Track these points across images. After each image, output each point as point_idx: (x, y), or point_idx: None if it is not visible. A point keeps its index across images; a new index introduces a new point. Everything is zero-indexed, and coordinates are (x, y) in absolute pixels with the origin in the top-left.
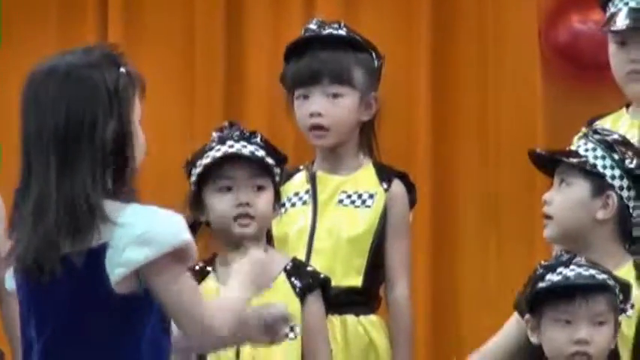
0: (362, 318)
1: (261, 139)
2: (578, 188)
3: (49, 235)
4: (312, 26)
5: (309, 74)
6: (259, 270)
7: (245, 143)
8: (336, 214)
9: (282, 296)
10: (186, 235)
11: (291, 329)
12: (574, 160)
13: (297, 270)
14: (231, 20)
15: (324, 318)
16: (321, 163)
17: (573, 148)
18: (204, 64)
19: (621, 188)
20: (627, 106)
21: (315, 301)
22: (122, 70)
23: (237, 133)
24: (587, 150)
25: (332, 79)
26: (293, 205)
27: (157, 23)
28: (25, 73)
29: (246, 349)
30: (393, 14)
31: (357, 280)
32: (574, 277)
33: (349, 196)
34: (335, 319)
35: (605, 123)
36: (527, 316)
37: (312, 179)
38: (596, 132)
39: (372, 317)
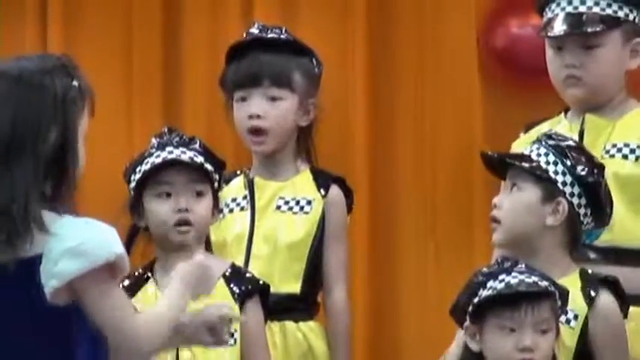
0: (301, 324)
1: (200, 145)
2: (529, 193)
3: None
4: (254, 30)
5: (249, 76)
6: (200, 274)
7: (184, 149)
8: (274, 220)
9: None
10: (119, 249)
11: (231, 335)
12: (525, 165)
13: (235, 275)
14: (169, 24)
15: (263, 324)
16: (259, 168)
17: (526, 152)
18: (142, 69)
19: (572, 195)
20: (565, 111)
21: (254, 307)
22: (74, 82)
23: (177, 138)
24: (539, 155)
25: (272, 81)
26: (231, 210)
27: (96, 25)
28: None
29: (185, 354)
30: (331, 18)
31: (295, 287)
32: (518, 284)
33: (287, 202)
34: (274, 326)
35: (542, 128)
36: (466, 323)
37: (250, 185)
38: (550, 137)
39: (311, 323)
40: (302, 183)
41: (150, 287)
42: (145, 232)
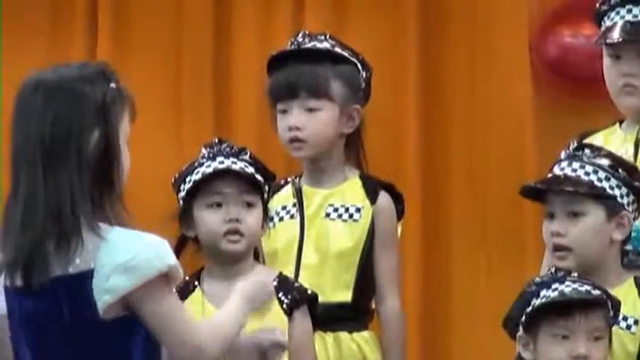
0: (355, 335)
1: (250, 156)
2: (594, 216)
3: (35, 245)
4: (299, 39)
5: (287, 88)
6: (260, 291)
7: (235, 159)
8: (323, 228)
9: (273, 313)
10: (172, 260)
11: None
12: (583, 190)
13: (284, 285)
14: (219, 33)
15: (311, 333)
16: (307, 176)
17: (568, 173)
18: (192, 79)
19: (629, 204)
20: (620, 121)
21: (302, 317)
22: (112, 85)
23: (227, 149)
24: (587, 174)
25: (309, 92)
26: (281, 219)
27: (145, 36)
28: (15, 85)
29: None
30: (382, 24)
31: (346, 295)
32: (571, 293)
33: (336, 210)
34: (328, 337)
35: (596, 139)
36: (519, 332)
37: (298, 193)
38: (588, 153)
39: (365, 334)
40: (351, 190)
41: (196, 296)
42: (193, 242)
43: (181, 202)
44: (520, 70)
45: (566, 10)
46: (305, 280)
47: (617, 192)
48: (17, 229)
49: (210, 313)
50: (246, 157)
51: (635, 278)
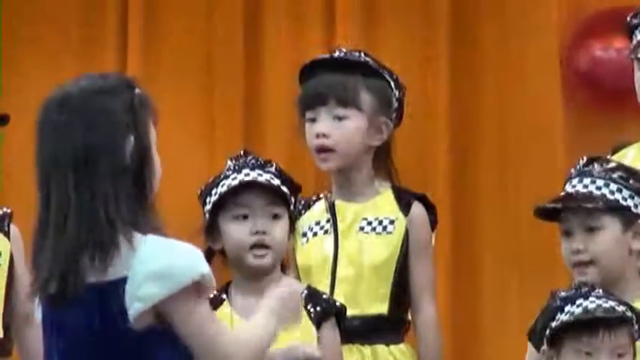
0: (392, 347)
1: (276, 168)
2: (611, 229)
3: (71, 255)
4: (336, 54)
5: (316, 96)
6: (287, 301)
7: (260, 171)
8: (357, 242)
9: (302, 328)
10: (204, 268)
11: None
12: (597, 205)
13: (312, 298)
14: (249, 44)
15: (339, 345)
16: (338, 191)
17: (580, 189)
18: (222, 91)
19: None
20: None
21: (331, 329)
22: (137, 91)
23: (253, 161)
24: (599, 188)
25: (337, 100)
26: (315, 234)
27: (175, 50)
28: (43, 97)
29: None
30: (413, 37)
31: (383, 308)
32: (595, 310)
33: (370, 223)
34: (365, 349)
35: (629, 151)
36: (543, 347)
37: (331, 208)
38: (597, 167)
39: (402, 346)
40: (383, 203)
41: (225, 309)
42: (220, 255)
43: (207, 214)
44: (551, 83)
45: (597, 23)
46: (341, 294)
47: (630, 202)
48: (52, 241)
49: (238, 324)
50: (272, 169)
51: None
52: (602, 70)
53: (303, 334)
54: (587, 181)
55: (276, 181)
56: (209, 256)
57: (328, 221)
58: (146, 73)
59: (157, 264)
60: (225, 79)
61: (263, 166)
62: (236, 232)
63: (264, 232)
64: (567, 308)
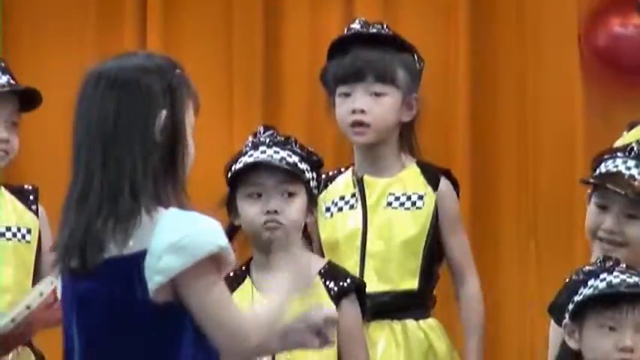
0: (421, 322)
1: (295, 144)
2: None
3: (91, 226)
4: (356, 25)
5: (353, 72)
6: (298, 277)
7: (277, 149)
8: (386, 217)
9: (317, 298)
10: (222, 241)
11: None
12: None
13: (332, 273)
14: (269, 20)
15: (360, 321)
16: (365, 165)
17: (636, 175)
18: (242, 67)
19: None
20: None
21: (351, 305)
22: (178, 70)
23: (271, 138)
24: None
25: (376, 77)
26: (340, 209)
27: (195, 27)
28: (63, 77)
29: (282, 355)
30: (432, 14)
31: (413, 283)
32: (619, 284)
33: (397, 198)
34: (395, 325)
35: None
36: (565, 320)
37: (359, 183)
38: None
39: (431, 321)
40: (410, 178)
41: (247, 286)
42: (242, 230)
43: (229, 190)
44: (569, 60)
45: (616, 0)
46: (371, 270)
47: None
48: (73, 212)
49: (259, 302)
50: (291, 145)
51: None
52: (620, 46)
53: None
54: None
55: (294, 158)
56: (231, 231)
57: (353, 196)
58: (165, 49)
59: (175, 236)
60: (245, 52)
61: (282, 144)
62: (249, 210)
63: (275, 212)
64: (591, 282)
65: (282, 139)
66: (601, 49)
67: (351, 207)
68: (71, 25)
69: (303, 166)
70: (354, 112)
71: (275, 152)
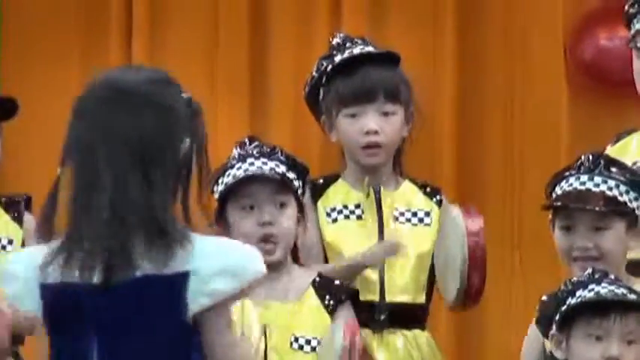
0: (426, 333)
1: (281, 154)
2: (617, 230)
3: (124, 243)
4: (338, 41)
5: (364, 92)
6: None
7: (265, 160)
8: (398, 232)
9: (311, 310)
10: (264, 267)
11: (319, 343)
12: (612, 208)
13: (323, 286)
14: (256, 35)
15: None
16: (367, 178)
17: (592, 188)
18: (227, 76)
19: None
20: None
21: (347, 313)
22: (184, 95)
23: (258, 149)
24: (611, 189)
25: (386, 97)
26: (346, 217)
27: (180, 35)
28: (49, 86)
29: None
30: (419, 27)
31: (422, 297)
32: (607, 294)
33: (402, 214)
34: (408, 333)
35: (632, 139)
36: (552, 331)
37: (377, 193)
38: (607, 166)
39: (428, 333)
40: (411, 194)
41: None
42: None
43: (217, 203)
44: (555, 73)
45: (602, 13)
46: (389, 281)
47: (635, 204)
48: (103, 228)
49: (250, 311)
50: (277, 155)
51: None
52: (606, 59)
53: (314, 320)
54: (598, 179)
55: (281, 168)
56: None
57: (358, 207)
58: (150, 56)
59: (225, 261)
60: (230, 61)
61: (268, 154)
62: (243, 223)
63: (270, 223)
64: (579, 292)
65: (269, 149)
66: (587, 62)
67: (359, 217)
68: (56, 37)
69: (291, 175)
70: (367, 133)
71: (263, 163)
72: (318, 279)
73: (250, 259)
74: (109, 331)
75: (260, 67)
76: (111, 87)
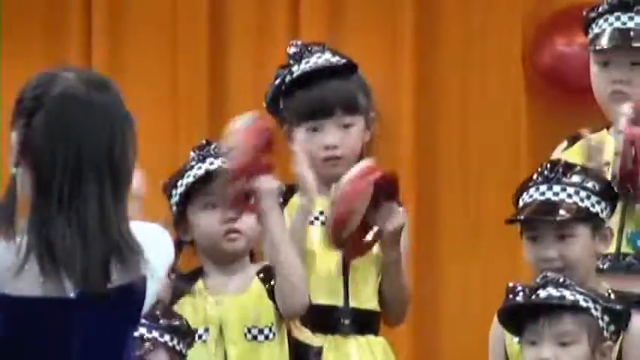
0: (380, 338)
1: None
2: (582, 237)
3: (105, 256)
4: (294, 49)
5: (321, 108)
6: None
7: (225, 159)
8: None
9: (257, 299)
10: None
11: (270, 330)
12: (575, 215)
13: (270, 275)
14: (214, 45)
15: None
16: (326, 187)
17: (552, 197)
18: (187, 83)
19: (607, 216)
20: (607, 127)
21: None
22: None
23: (216, 149)
24: (570, 196)
25: (344, 110)
26: (311, 223)
27: (140, 40)
28: (9, 84)
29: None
30: (377, 35)
31: (375, 301)
32: (537, 298)
33: None
34: (362, 339)
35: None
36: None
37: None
38: (565, 173)
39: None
40: None
41: (201, 292)
42: (189, 245)
43: (174, 207)
44: (514, 79)
45: (560, 19)
46: (353, 287)
47: (598, 208)
48: (78, 241)
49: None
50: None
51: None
52: (565, 66)
53: (261, 309)
54: (557, 188)
55: None
56: (179, 247)
57: (322, 213)
58: (110, 61)
59: (158, 249)
60: (189, 69)
61: (227, 153)
62: (206, 221)
63: (234, 220)
64: (518, 298)
65: (227, 149)
66: (545, 68)
67: (323, 223)
68: (17, 36)
69: None
70: (327, 148)
71: (223, 162)
72: (263, 271)
73: (167, 246)
74: (85, 344)
75: (219, 78)
76: (70, 99)
